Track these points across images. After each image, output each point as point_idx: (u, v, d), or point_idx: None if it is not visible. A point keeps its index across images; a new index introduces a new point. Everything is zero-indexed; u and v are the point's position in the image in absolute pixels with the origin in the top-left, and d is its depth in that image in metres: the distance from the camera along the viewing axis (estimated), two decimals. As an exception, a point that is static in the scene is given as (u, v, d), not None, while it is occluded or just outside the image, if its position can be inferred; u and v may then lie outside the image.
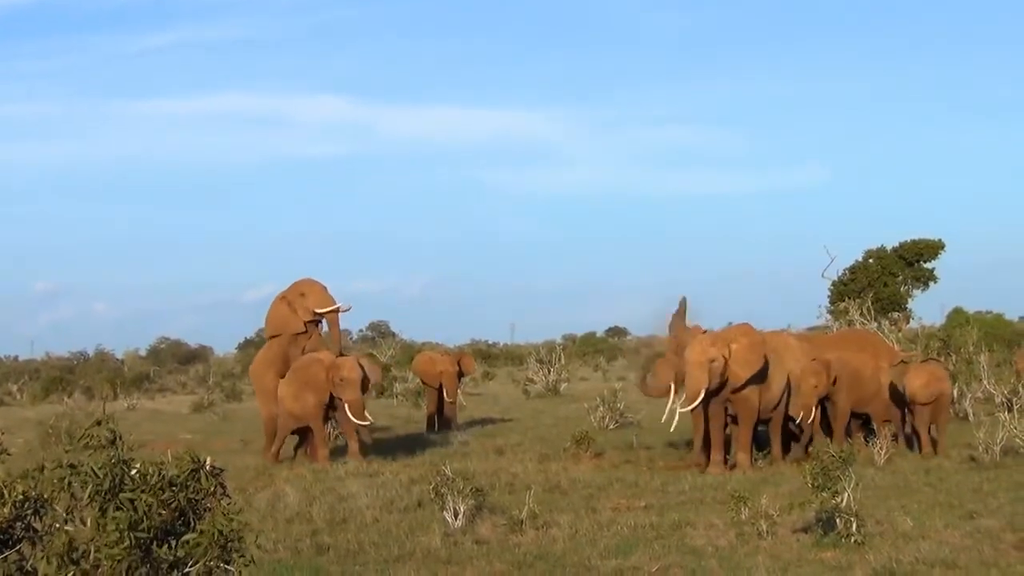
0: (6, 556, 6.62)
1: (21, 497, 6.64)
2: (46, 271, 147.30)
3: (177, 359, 73.65)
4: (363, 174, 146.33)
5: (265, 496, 16.95)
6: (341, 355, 23.23)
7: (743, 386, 19.68)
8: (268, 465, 21.38)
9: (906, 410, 21.30)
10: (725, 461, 19.71)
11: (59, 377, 52.20)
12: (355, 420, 21.93)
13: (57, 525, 6.63)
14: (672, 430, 20.85)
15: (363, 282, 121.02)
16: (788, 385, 20.34)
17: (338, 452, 22.85)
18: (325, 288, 23.85)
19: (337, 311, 23.80)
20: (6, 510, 6.62)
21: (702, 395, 19.53)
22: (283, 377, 23.03)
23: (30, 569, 6.58)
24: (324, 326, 24.34)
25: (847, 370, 21.01)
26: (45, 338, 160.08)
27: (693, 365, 19.62)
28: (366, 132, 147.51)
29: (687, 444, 21.43)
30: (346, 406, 21.88)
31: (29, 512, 6.69)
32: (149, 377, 57.74)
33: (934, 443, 20.58)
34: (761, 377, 19.85)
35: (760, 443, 21.23)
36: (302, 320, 23.57)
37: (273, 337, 24.04)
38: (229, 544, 6.45)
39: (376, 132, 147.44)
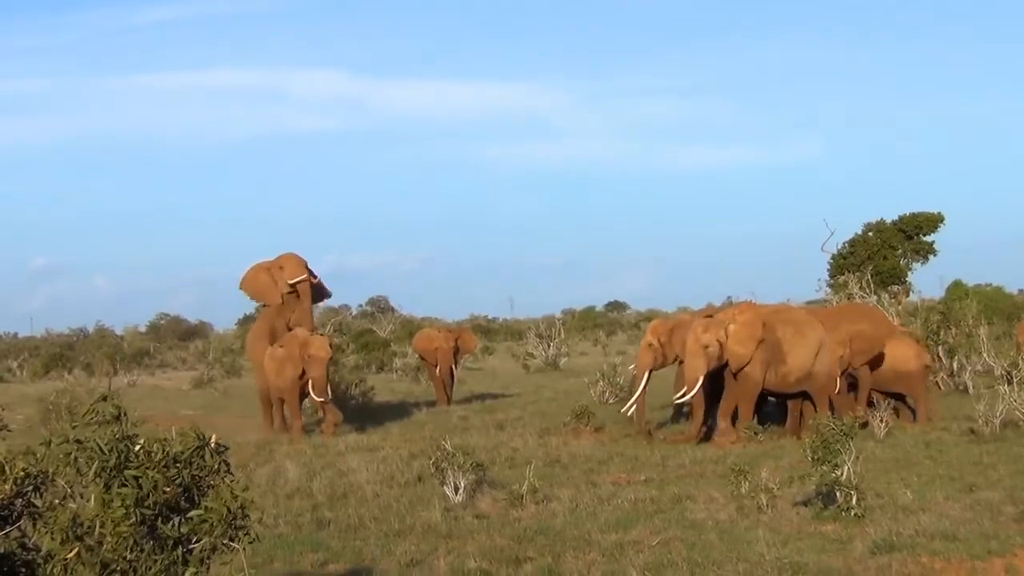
0: (7, 532, 6.61)
1: (22, 474, 6.63)
2: (44, 247, 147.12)
3: (177, 335, 73.53)
4: (361, 149, 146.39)
5: (266, 471, 16.99)
6: (314, 331, 24.13)
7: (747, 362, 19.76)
8: (269, 439, 21.49)
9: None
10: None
11: (59, 354, 52.13)
12: (315, 396, 22.77)
13: (58, 501, 6.62)
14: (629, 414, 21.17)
15: (361, 257, 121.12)
16: (818, 358, 20.33)
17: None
18: (301, 261, 24.68)
19: (306, 281, 24.54)
20: (7, 486, 6.60)
21: (700, 383, 19.72)
22: (270, 345, 23.85)
23: (31, 545, 6.58)
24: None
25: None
26: (44, 315, 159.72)
27: (690, 354, 19.85)
28: (363, 106, 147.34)
29: (686, 416, 21.46)
30: (310, 382, 22.62)
31: (30, 489, 6.68)
32: (149, 353, 57.71)
33: (916, 414, 20.93)
34: (770, 352, 19.82)
35: (762, 417, 21.20)
36: (280, 292, 24.38)
37: (264, 306, 25.11)
38: (235, 521, 6.45)
39: (373, 106, 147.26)
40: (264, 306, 25.19)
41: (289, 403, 23.10)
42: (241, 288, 25.10)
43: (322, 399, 22.77)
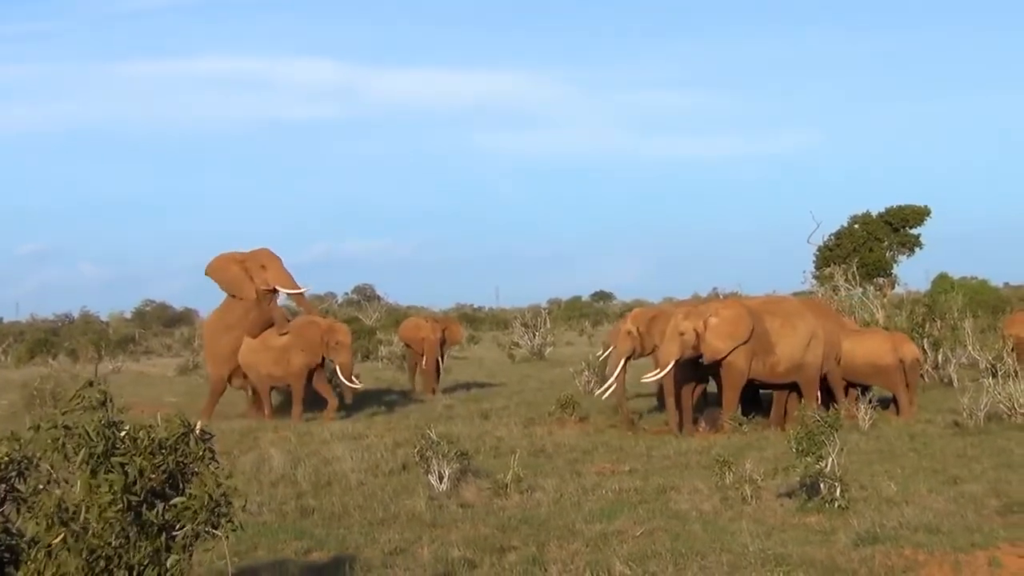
0: (-9, 518, 6.59)
1: (6, 459, 6.61)
2: (31, 233, 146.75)
3: (162, 322, 73.27)
4: (351, 137, 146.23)
5: (250, 459, 16.96)
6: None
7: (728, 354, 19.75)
8: (254, 426, 21.49)
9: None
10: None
11: (44, 339, 51.90)
12: (346, 382, 23.31)
13: (43, 487, 6.60)
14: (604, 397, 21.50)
15: (349, 245, 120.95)
16: (809, 349, 20.26)
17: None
18: (282, 264, 24.74)
19: (300, 293, 25.28)
20: (-9, 472, 6.58)
21: (670, 366, 19.78)
22: (252, 337, 24.02)
23: (15, 531, 6.55)
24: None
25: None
26: (30, 300, 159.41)
27: (667, 338, 19.99)
28: (354, 95, 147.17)
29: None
30: (338, 368, 23.27)
31: (13, 474, 6.65)
32: (134, 339, 57.52)
33: (898, 407, 20.96)
34: (756, 342, 19.81)
35: (744, 409, 21.22)
36: (255, 288, 24.37)
37: (232, 296, 24.85)
38: (217, 508, 6.44)
39: (364, 94, 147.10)
40: (232, 296, 24.86)
41: (294, 390, 23.43)
42: (209, 275, 24.87)
43: (357, 385, 23.80)
